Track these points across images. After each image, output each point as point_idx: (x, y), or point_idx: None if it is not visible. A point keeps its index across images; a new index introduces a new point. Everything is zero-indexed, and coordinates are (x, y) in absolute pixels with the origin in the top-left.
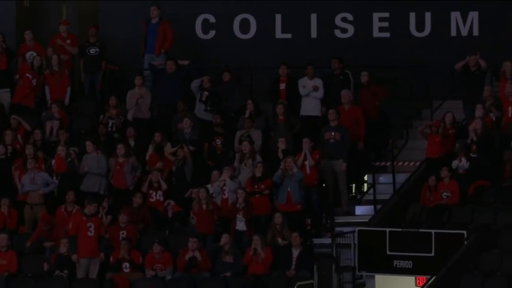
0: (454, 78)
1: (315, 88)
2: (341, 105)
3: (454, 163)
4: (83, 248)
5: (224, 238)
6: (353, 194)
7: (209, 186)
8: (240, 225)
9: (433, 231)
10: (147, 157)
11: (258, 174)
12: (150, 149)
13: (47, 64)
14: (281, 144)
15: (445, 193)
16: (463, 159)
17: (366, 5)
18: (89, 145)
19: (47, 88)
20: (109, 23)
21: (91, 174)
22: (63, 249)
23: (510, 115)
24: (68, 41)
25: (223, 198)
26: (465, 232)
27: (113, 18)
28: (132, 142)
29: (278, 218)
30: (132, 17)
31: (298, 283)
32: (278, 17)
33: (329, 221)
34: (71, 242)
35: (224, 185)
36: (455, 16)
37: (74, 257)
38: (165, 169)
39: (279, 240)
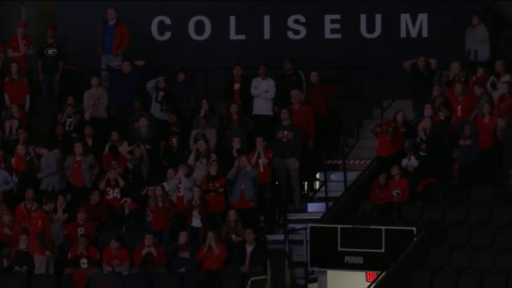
0: (404, 78)
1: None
2: (292, 104)
3: (404, 162)
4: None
5: (183, 237)
6: (306, 192)
7: (165, 184)
8: (196, 222)
9: (383, 227)
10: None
11: (213, 172)
12: (107, 148)
13: (5, 67)
14: (235, 143)
15: (395, 191)
16: (413, 158)
17: (318, 7)
18: (38, 149)
19: (6, 95)
20: (67, 24)
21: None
22: (22, 246)
23: (459, 114)
24: (24, 42)
25: (178, 195)
26: (414, 228)
27: (71, 20)
28: (89, 141)
29: (232, 215)
30: (89, 19)
31: (252, 279)
32: (232, 19)
33: (282, 218)
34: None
35: (180, 183)
36: (405, 18)
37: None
38: (120, 167)
39: (233, 236)
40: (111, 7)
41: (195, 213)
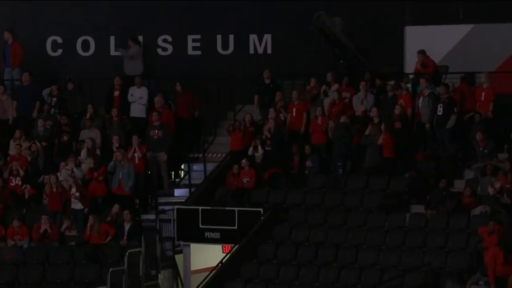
0: (253, 86)
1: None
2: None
3: (250, 150)
4: None
5: (65, 223)
6: (173, 180)
7: (58, 174)
8: (75, 205)
9: (236, 209)
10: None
11: (91, 165)
12: (11, 144)
13: None
14: (115, 141)
15: (245, 179)
16: (260, 151)
17: (182, 28)
18: None
19: None
20: None
21: None
22: None
23: (294, 115)
24: None
25: (69, 183)
26: (261, 209)
27: None
28: None
29: (115, 208)
30: None
31: (129, 251)
32: (112, 39)
33: (153, 201)
34: None
35: (72, 172)
36: (253, 38)
37: None
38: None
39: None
40: (7, 31)
41: (72, 198)
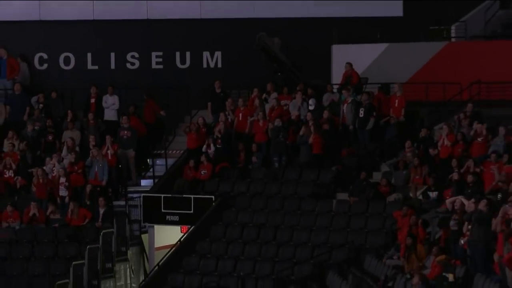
0: (206, 95)
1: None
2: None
3: (204, 148)
4: None
5: (50, 208)
6: (140, 172)
7: (44, 167)
8: (62, 192)
9: (192, 196)
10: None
11: (72, 160)
12: (5, 143)
13: None
14: (92, 140)
15: (203, 171)
16: (212, 148)
17: (147, 46)
18: None
19: None
20: None
21: None
22: None
23: (240, 119)
24: None
25: (53, 175)
26: (213, 197)
27: None
28: None
29: (88, 187)
30: None
31: (103, 231)
32: (89, 55)
33: (123, 190)
34: None
35: (54, 166)
36: (206, 54)
37: None
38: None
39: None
40: (1, 48)
41: (61, 186)
